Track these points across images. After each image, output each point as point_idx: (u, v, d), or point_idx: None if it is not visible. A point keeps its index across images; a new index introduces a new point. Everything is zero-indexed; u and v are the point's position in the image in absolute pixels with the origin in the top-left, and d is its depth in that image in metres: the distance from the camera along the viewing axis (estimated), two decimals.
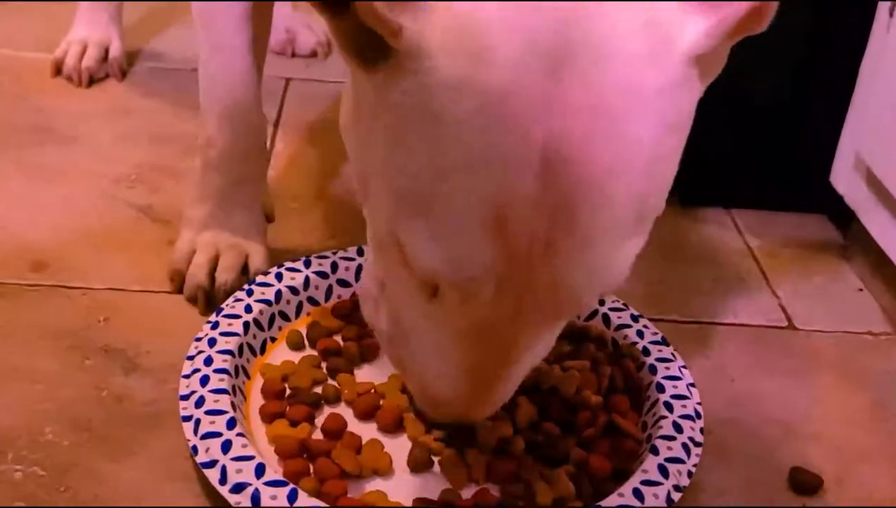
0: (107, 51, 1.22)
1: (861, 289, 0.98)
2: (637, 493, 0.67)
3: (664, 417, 0.74)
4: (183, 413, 0.71)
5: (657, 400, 0.76)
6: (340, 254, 0.86)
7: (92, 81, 1.21)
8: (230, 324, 0.78)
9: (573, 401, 0.75)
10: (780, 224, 1.07)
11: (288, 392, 0.76)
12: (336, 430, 0.72)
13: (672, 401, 0.75)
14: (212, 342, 0.76)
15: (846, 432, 0.80)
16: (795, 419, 0.81)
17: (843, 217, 1.03)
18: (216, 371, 0.73)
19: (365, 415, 0.74)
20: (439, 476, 0.70)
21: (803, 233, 1.06)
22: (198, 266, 0.86)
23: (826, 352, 0.89)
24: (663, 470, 0.69)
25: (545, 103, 0.49)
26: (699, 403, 0.76)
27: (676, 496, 0.68)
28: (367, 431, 0.73)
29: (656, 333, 0.82)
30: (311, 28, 1.32)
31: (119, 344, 0.80)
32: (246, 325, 0.78)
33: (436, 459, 0.71)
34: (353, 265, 0.85)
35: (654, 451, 0.71)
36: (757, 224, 1.07)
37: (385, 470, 0.70)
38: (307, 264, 0.84)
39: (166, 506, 0.67)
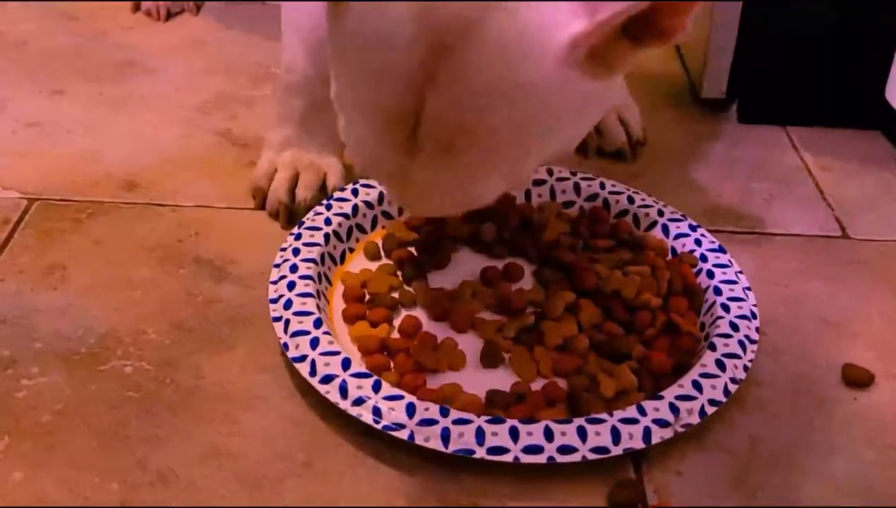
0: None
1: None
2: (696, 385, 0.72)
3: (721, 317, 0.78)
4: (273, 314, 0.76)
5: (714, 302, 0.80)
6: None
7: (169, 16, 1.27)
8: (312, 236, 0.83)
9: (634, 303, 0.80)
10: (834, 140, 1.10)
11: (367, 296, 0.81)
12: (412, 330, 0.78)
13: (729, 303, 0.79)
14: (296, 251, 0.81)
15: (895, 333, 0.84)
16: (846, 320, 0.84)
17: None
18: (301, 277, 0.79)
19: (438, 317, 0.80)
20: (509, 371, 0.76)
21: (858, 149, 1.09)
22: (279, 183, 0.92)
23: (879, 259, 0.92)
24: (720, 364, 0.73)
25: (423, 70, 0.57)
26: (755, 305, 0.80)
27: (733, 388, 0.72)
28: (441, 331, 0.78)
29: (713, 242, 0.86)
30: None
31: (208, 256, 0.87)
32: (326, 236, 0.83)
33: (506, 356, 0.76)
34: None
35: (712, 347, 0.75)
36: (812, 140, 1.10)
37: (459, 366, 0.75)
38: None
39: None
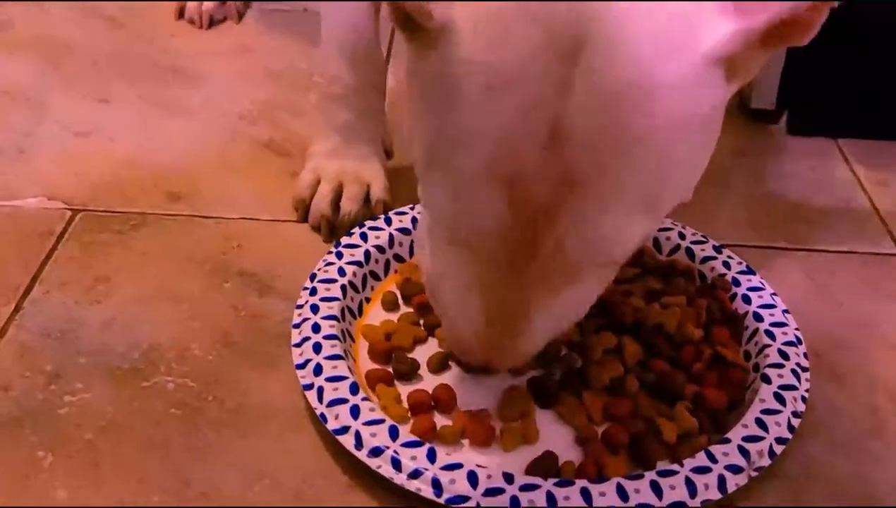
0: None
1: None
2: (760, 423, 0.69)
3: (768, 345, 0.75)
4: (303, 381, 0.71)
5: (757, 329, 0.77)
6: (418, 208, 0.83)
7: (212, 23, 1.26)
8: (328, 289, 0.78)
9: (677, 337, 0.77)
10: (887, 153, 1.07)
11: (392, 355, 0.75)
12: (450, 401, 0.72)
13: (772, 329, 0.77)
14: (314, 308, 0.77)
15: None
16: None
17: None
18: (326, 337, 0.74)
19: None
20: (558, 422, 0.72)
21: None
22: (322, 196, 0.91)
23: None
24: (779, 398, 0.71)
25: (555, 85, 0.52)
26: (797, 329, 0.77)
27: (796, 422, 0.70)
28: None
29: (741, 263, 0.83)
30: None
31: (253, 269, 0.86)
32: (343, 289, 0.79)
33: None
34: None
35: (766, 380, 0.72)
36: (864, 153, 1.07)
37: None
38: (388, 222, 0.85)
39: None
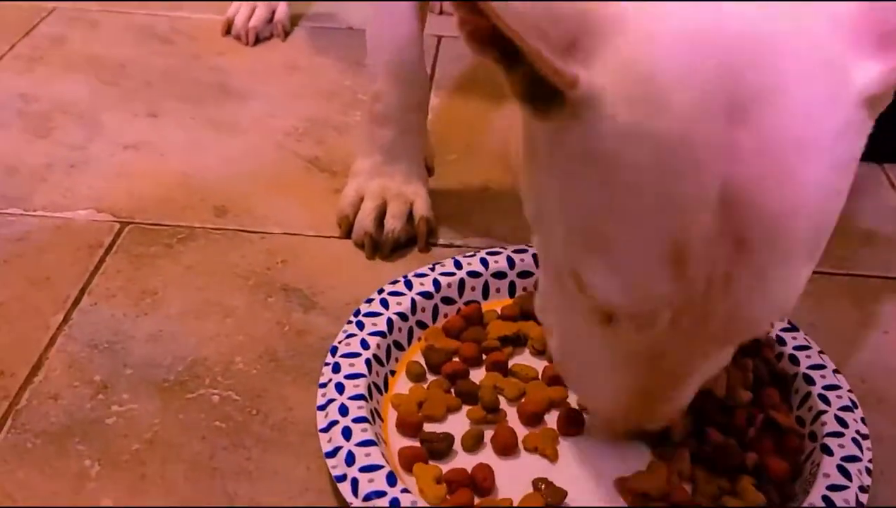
0: (273, 12, 1.30)
1: None
2: (827, 500, 0.65)
3: (823, 412, 0.72)
4: (335, 472, 0.66)
5: (809, 393, 0.73)
6: (439, 269, 0.83)
7: (258, 40, 1.28)
8: (352, 365, 0.74)
9: (727, 401, 0.72)
10: None
11: (423, 427, 0.72)
12: (488, 483, 0.68)
13: (825, 393, 0.73)
14: (339, 388, 0.72)
15: None
16: None
17: None
18: (355, 420, 0.69)
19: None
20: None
21: None
22: (365, 214, 0.91)
23: None
24: (844, 472, 0.67)
25: (721, 148, 0.49)
26: (850, 390, 0.73)
27: (864, 497, 0.66)
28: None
29: (784, 319, 0.79)
30: None
31: (297, 284, 0.87)
32: (368, 363, 0.74)
33: None
34: (455, 280, 0.82)
35: (827, 451, 0.68)
36: None
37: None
38: (408, 285, 0.81)
39: None
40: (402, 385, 0.76)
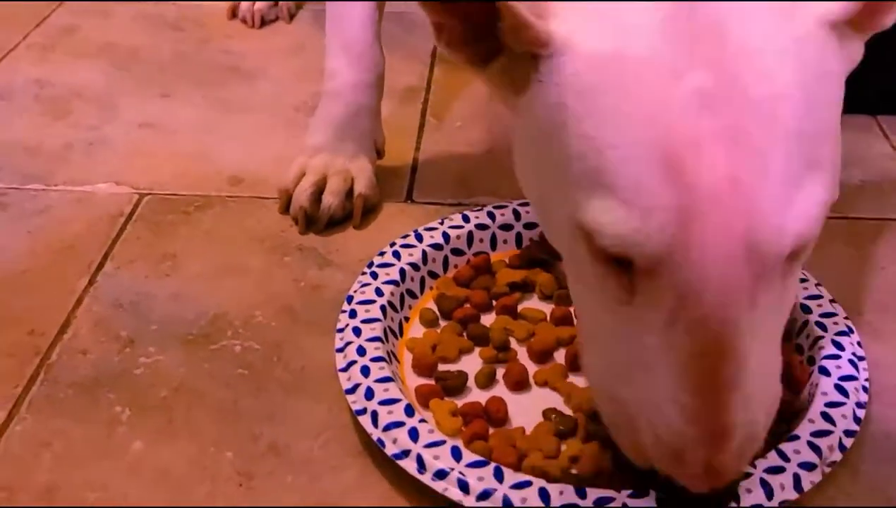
0: None
1: None
2: (826, 416, 0.67)
3: (820, 337, 0.74)
4: (355, 407, 0.69)
5: (807, 321, 0.76)
6: (448, 223, 0.86)
7: (263, 23, 1.32)
8: (368, 310, 0.76)
9: None
10: None
11: (438, 368, 0.75)
12: (502, 414, 0.71)
13: (822, 320, 0.75)
14: (357, 331, 0.75)
15: None
16: None
17: None
18: (373, 359, 0.72)
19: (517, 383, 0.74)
20: None
21: None
22: (303, 188, 0.92)
23: None
24: (841, 390, 0.69)
25: (689, 56, 0.52)
26: (847, 317, 0.76)
27: (861, 413, 0.69)
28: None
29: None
30: None
31: (311, 244, 0.90)
32: (383, 309, 0.77)
33: None
34: (464, 233, 0.85)
35: (825, 373, 0.71)
36: None
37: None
38: (419, 238, 0.84)
39: None
40: (415, 330, 0.79)
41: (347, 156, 0.94)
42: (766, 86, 0.52)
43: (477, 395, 0.74)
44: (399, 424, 0.67)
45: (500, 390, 0.74)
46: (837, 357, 0.73)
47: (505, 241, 0.86)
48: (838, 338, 0.74)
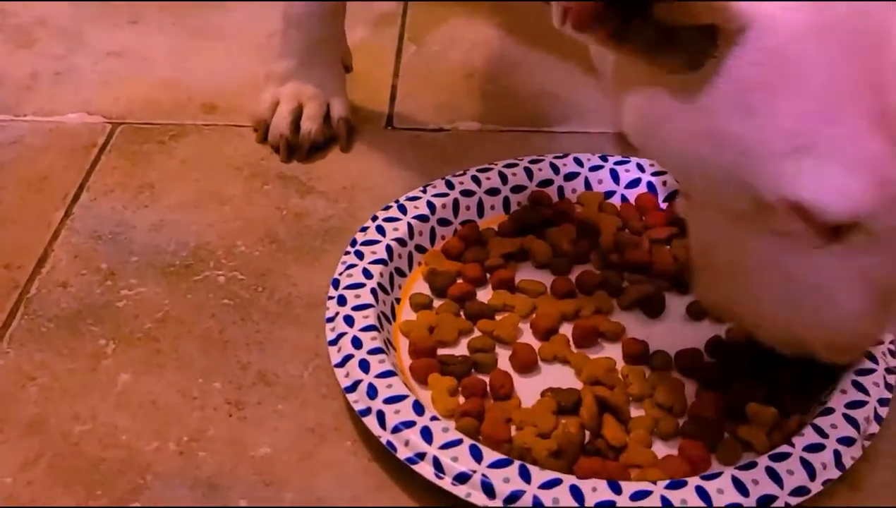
0: None
1: None
2: (858, 386, 0.65)
3: None
4: (358, 407, 0.65)
5: None
6: (431, 191, 0.81)
7: None
8: (358, 296, 0.71)
9: None
10: None
11: (438, 352, 0.70)
12: (505, 391, 0.67)
13: None
14: (349, 320, 0.70)
15: None
16: None
17: None
18: (371, 352, 0.67)
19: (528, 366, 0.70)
20: None
21: None
22: (281, 116, 0.91)
23: None
24: (870, 356, 0.66)
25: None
26: None
27: (892, 379, 0.66)
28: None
29: None
30: None
31: (292, 172, 0.88)
32: (374, 293, 0.72)
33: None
34: (449, 201, 0.80)
35: None
36: None
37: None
38: (402, 210, 0.79)
39: None
40: (408, 312, 0.74)
41: (318, 81, 0.93)
42: None
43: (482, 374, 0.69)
44: (410, 424, 0.62)
45: (505, 364, 0.70)
46: None
47: (492, 207, 0.81)
48: None
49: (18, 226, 0.82)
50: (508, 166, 0.83)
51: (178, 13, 1.14)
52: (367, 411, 0.64)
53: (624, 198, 0.83)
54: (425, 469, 0.60)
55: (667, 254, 0.76)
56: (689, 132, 0.58)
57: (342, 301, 0.71)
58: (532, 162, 0.83)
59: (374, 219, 0.78)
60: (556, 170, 0.83)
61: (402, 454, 0.61)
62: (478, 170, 0.83)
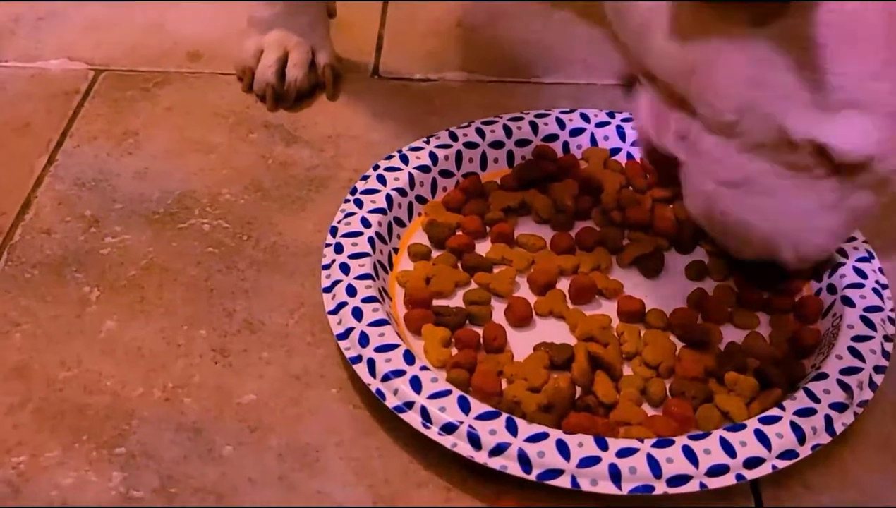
0: None
1: None
2: (853, 351, 0.64)
3: (841, 264, 0.71)
4: (349, 354, 0.64)
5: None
6: (434, 142, 0.80)
7: None
8: (355, 244, 0.71)
9: None
10: None
11: (433, 302, 0.70)
12: (498, 343, 0.67)
13: (842, 246, 0.71)
14: (344, 268, 0.69)
15: None
16: None
17: None
18: (365, 300, 0.67)
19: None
20: None
21: None
22: (266, 65, 0.89)
23: None
24: (868, 322, 0.66)
25: None
26: (865, 241, 0.73)
27: (889, 347, 0.66)
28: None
29: None
30: None
31: (278, 121, 0.88)
32: (371, 241, 0.72)
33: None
34: (452, 152, 0.79)
35: (849, 303, 0.68)
36: None
37: None
38: (404, 160, 0.78)
39: None
40: (406, 262, 0.74)
41: (303, 28, 0.91)
42: None
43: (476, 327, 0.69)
44: (399, 373, 0.62)
45: (500, 318, 0.69)
46: (861, 286, 0.69)
47: (496, 160, 0.81)
48: (860, 265, 0.71)
49: (1, 171, 0.82)
50: (513, 120, 0.82)
51: None
52: (358, 358, 0.64)
53: (630, 156, 0.82)
54: (413, 419, 0.60)
55: (669, 214, 0.76)
56: (737, 78, 0.61)
57: (339, 248, 0.71)
58: (538, 116, 0.82)
59: (376, 167, 0.77)
60: (561, 124, 0.82)
61: (391, 402, 0.61)
62: (482, 123, 0.82)
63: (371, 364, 0.63)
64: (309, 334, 0.69)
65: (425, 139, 0.80)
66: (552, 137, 0.82)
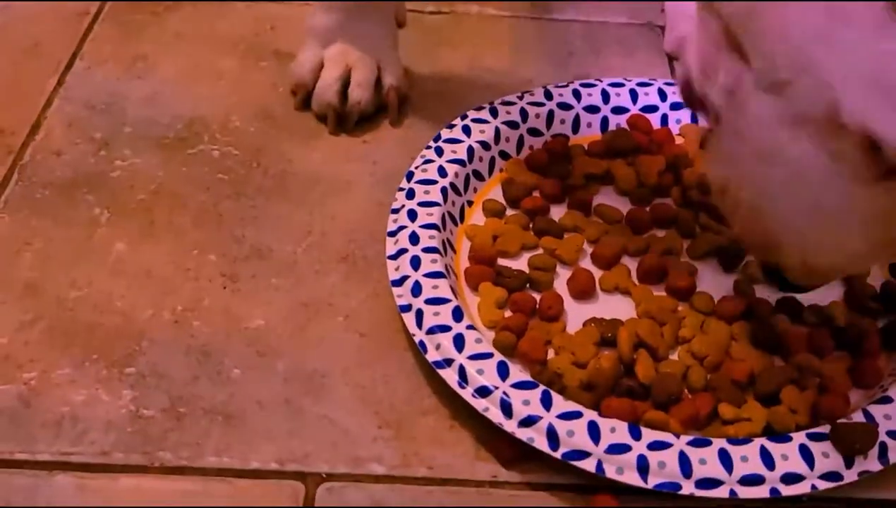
0: None
1: None
2: None
3: None
4: (400, 302, 0.64)
5: None
6: (527, 99, 0.77)
7: None
8: (427, 192, 0.70)
9: None
10: None
11: (497, 261, 0.68)
12: (557, 312, 0.65)
13: None
14: (412, 214, 0.68)
15: None
16: None
17: None
18: (425, 250, 0.66)
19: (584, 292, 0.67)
20: None
21: None
22: (327, 83, 0.80)
23: None
24: None
25: None
26: None
27: None
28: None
29: None
30: None
31: (288, 49, 0.87)
32: (444, 191, 0.70)
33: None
34: (544, 111, 0.77)
35: None
36: None
37: None
38: (493, 113, 0.76)
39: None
40: (478, 216, 0.72)
41: (368, 41, 0.81)
42: None
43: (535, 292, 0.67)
44: (445, 328, 0.61)
45: (562, 287, 0.67)
46: None
47: (589, 125, 0.78)
48: None
49: (12, 91, 0.82)
50: (613, 85, 0.79)
51: None
52: (408, 307, 0.63)
53: None
54: (449, 376, 0.59)
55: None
56: (804, 28, 0.54)
57: (411, 194, 0.70)
58: (640, 84, 0.79)
59: (464, 117, 0.76)
60: (663, 96, 0.79)
61: (431, 356, 0.60)
62: (581, 84, 0.79)
63: (419, 314, 0.62)
64: (317, 262, 0.70)
65: (518, 95, 0.78)
66: (651, 108, 0.79)
